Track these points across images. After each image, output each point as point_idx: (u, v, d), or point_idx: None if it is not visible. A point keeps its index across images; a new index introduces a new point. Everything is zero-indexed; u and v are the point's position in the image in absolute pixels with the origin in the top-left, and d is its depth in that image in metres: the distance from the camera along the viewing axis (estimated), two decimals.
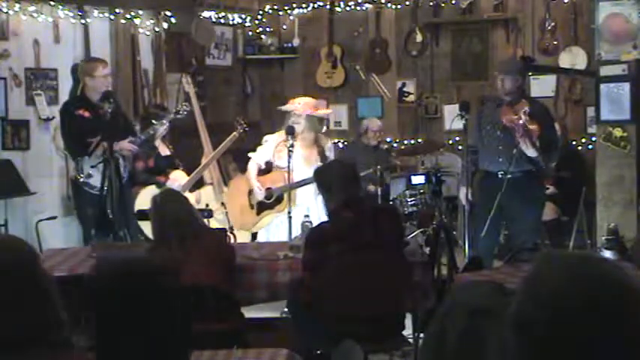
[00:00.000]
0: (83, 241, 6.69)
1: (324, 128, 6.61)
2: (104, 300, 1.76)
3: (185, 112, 6.77)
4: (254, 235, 6.70)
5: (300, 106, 6.33)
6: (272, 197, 6.31)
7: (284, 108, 6.48)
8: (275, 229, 6.33)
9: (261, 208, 6.41)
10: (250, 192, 6.49)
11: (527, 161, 5.85)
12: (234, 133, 6.83)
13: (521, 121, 5.70)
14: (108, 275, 1.78)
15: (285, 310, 5.32)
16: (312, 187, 6.24)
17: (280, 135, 6.25)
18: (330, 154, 6.32)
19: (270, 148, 6.32)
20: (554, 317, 1.31)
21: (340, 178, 4.37)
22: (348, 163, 4.81)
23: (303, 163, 6.13)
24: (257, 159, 6.40)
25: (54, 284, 1.99)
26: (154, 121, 6.73)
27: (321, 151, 6.27)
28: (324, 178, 4.48)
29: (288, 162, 5.77)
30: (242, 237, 6.77)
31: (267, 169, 6.45)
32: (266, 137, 6.46)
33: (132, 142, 6.36)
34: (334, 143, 6.56)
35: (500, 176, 5.82)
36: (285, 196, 6.03)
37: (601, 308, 1.30)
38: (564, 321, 1.30)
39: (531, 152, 5.78)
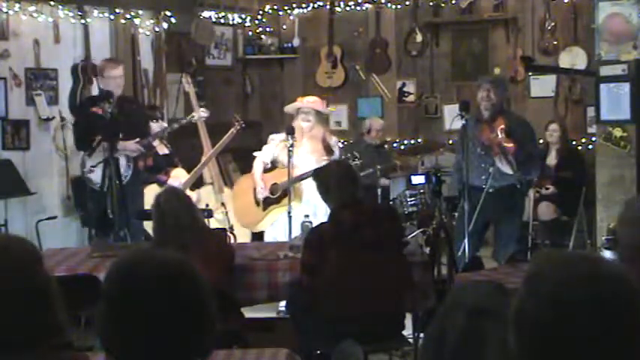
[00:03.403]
0: (88, 239, 6.70)
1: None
2: (137, 300, 1.73)
3: (203, 118, 6.83)
4: (260, 234, 6.71)
5: (309, 103, 6.43)
6: (278, 192, 6.34)
7: (291, 106, 6.52)
8: (282, 226, 6.34)
9: (267, 203, 6.44)
10: (255, 189, 6.52)
11: (504, 178, 5.97)
12: (232, 129, 6.87)
13: (497, 139, 5.80)
14: (142, 276, 1.75)
15: (281, 309, 5.33)
16: None
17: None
18: (336, 150, 6.40)
19: (277, 146, 6.37)
20: (557, 316, 1.31)
21: (338, 179, 4.38)
22: (347, 163, 4.82)
23: (311, 159, 6.18)
24: (263, 157, 6.46)
25: (56, 285, 1.98)
26: (154, 124, 6.78)
27: (327, 146, 6.36)
28: (322, 179, 4.49)
29: (289, 161, 5.82)
30: (243, 237, 6.78)
31: (274, 167, 6.49)
32: (272, 136, 6.52)
33: (138, 143, 6.39)
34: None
35: (483, 190, 5.89)
36: (290, 192, 6.05)
37: (602, 306, 1.30)
38: (567, 319, 1.30)
39: (507, 169, 5.94)
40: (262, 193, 6.40)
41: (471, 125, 6.05)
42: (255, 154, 6.55)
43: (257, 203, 6.50)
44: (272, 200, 6.42)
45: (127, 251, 1.85)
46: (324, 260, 4.16)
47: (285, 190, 6.26)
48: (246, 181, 6.72)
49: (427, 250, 5.70)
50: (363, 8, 9.24)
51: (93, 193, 6.28)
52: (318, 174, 4.61)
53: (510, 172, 5.93)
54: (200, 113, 6.84)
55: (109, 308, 1.75)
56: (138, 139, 6.41)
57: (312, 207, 6.04)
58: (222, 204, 7.01)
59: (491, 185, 5.92)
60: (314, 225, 4.85)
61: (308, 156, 6.21)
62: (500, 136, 5.85)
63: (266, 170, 6.50)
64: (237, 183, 7.08)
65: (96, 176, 6.22)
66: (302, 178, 6.09)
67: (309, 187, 6.21)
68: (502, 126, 5.87)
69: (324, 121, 6.55)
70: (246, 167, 8.80)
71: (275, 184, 6.37)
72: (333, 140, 6.47)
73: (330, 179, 4.41)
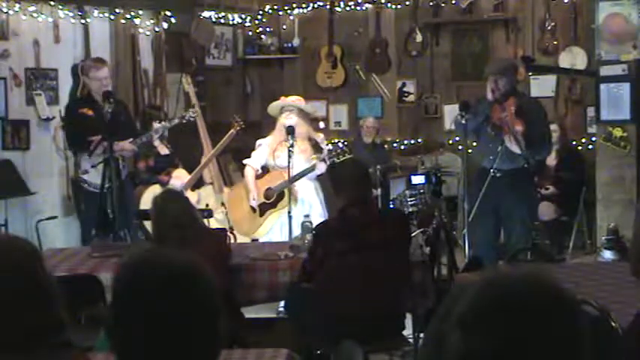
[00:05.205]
0: (81, 240, 6.69)
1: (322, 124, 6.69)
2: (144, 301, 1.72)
3: (192, 118, 6.73)
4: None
5: (292, 101, 6.43)
6: (273, 196, 6.32)
7: (274, 106, 6.50)
8: (278, 231, 6.33)
9: (264, 209, 6.41)
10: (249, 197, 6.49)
11: (512, 158, 5.90)
12: (232, 130, 6.85)
13: (507, 118, 5.77)
14: (151, 277, 1.74)
15: (281, 309, 5.33)
16: (312, 184, 6.31)
17: (275, 138, 6.30)
18: (324, 147, 6.33)
19: (265, 151, 6.35)
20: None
21: (351, 177, 4.40)
22: (362, 163, 4.84)
23: (300, 158, 6.16)
24: (253, 164, 6.42)
25: (56, 285, 1.98)
26: (156, 124, 6.75)
27: (314, 144, 6.33)
28: (335, 175, 4.54)
29: (289, 161, 5.81)
30: (243, 238, 6.76)
31: (264, 173, 6.47)
32: (259, 141, 6.48)
33: (132, 143, 6.37)
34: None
35: (491, 172, 5.85)
36: (287, 194, 6.05)
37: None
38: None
39: (515, 148, 5.86)
40: (254, 202, 6.35)
41: (484, 105, 6.03)
42: (245, 161, 6.52)
43: (253, 210, 6.46)
44: (268, 205, 6.39)
45: (138, 251, 1.83)
46: (328, 253, 4.18)
47: (280, 194, 6.25)
48: (240, 190, 6.67)
49: (427, 250, 5.70)
50: (363, 8, 9.24)
51: (90, 195, 6.27)
52: (332, 170, 4.65)
53: (519, 151, 5.84)
54: (190, 113, 6.79)
55: (118, 310, 1.73)
56: (131, 139, 6.38)
57: (308, 206, 6.07)
58: (222, 204, 7.00)
59: (499, 168, 5.85)
60: (314, 224, 4.87)
61: (297, 155, 6.11)
62: (510, 114, 5.80)
63: (258, 176, 6.46)
64: (231, 191, 6.98)
65: (91, 177, 6.21)
66: (296, 178, 6.08)
67: (303, 186, 6.24)
68: (513, 106, 5.83)
69: (308, 119, 6.48)
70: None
71: (269, 188, 6.34)
72: (319, 137, 6.44)
73: (345, 176, 4.43)
